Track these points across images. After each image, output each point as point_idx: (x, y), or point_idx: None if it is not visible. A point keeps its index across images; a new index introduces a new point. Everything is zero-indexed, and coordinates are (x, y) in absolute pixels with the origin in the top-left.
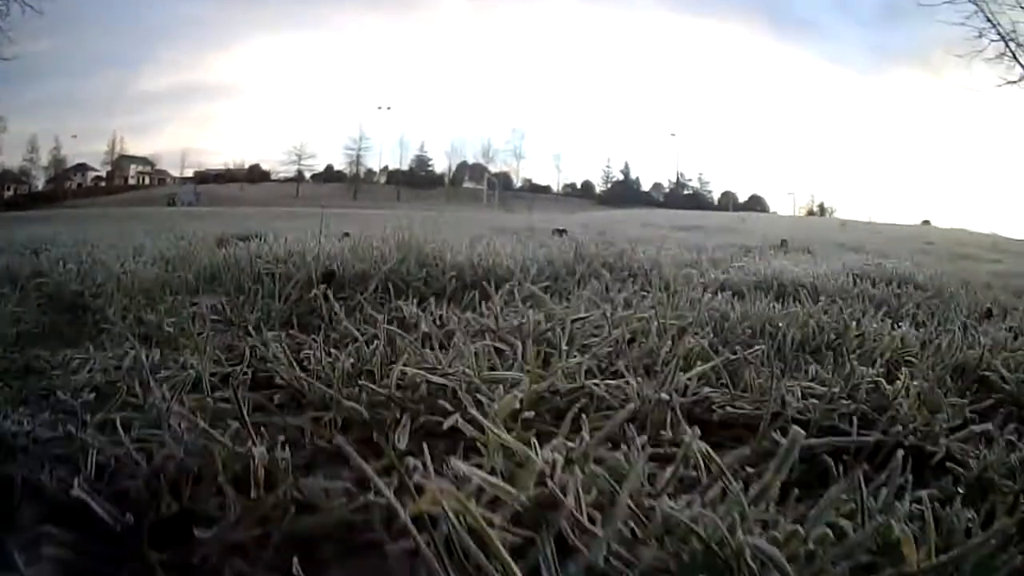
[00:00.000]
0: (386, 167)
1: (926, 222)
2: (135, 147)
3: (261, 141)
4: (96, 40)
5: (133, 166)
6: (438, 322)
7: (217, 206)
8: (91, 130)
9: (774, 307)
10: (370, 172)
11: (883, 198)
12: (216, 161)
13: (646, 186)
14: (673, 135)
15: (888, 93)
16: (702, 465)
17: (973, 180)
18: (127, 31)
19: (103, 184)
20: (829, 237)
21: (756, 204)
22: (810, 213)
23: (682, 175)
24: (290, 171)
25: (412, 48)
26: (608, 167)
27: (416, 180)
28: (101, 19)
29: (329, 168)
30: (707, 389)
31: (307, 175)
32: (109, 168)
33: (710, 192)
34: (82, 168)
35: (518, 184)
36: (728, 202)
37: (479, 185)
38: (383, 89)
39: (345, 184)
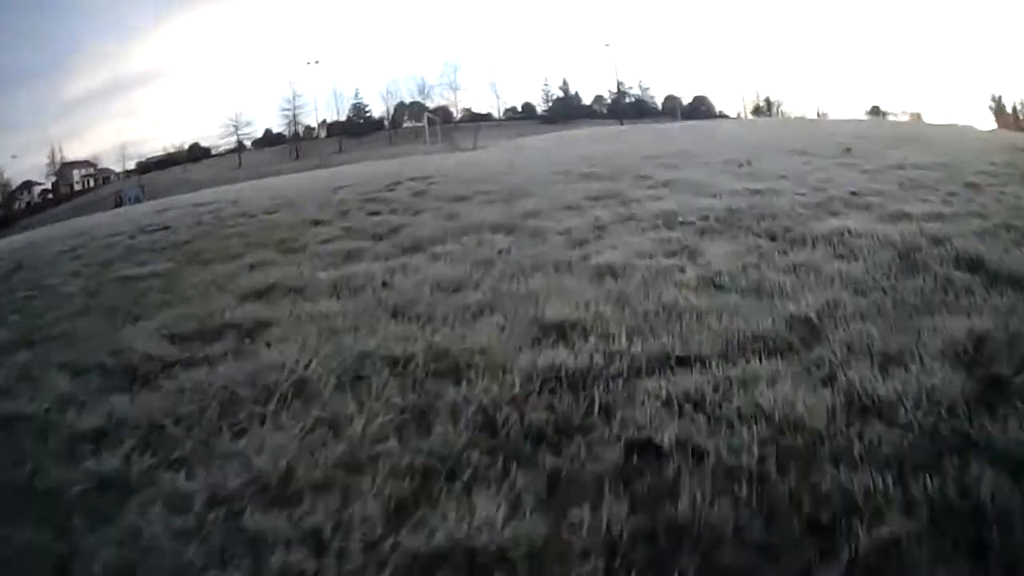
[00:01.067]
0: (324, 120)
1: (875, 108)
2: (77, 151)
3: (197, 118)
4: (13, 53)
5: (76, 171)
6: None
7: (162, 195)
8: (31, 144)
9: None
10: (309, 129)
11: (832, 88)
12: (156, 148)
13: (588, 100)
14: (607, 45)
15: None
16: None
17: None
18: (42, 37)
19: (50, 196)
20: None
21: (701, 104)
22: (756, 109)
23: (622, 84)
24: (230, 143)
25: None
26: (547, 86)
27: (356, 128)
28: (10, 31)
29: (268, 132)
30: None
31: (248, 142)
32: (54, 179)
33: (652, 98)
34: (28, 185)
35: (459, 116)
36: (673, 106)
37: (420, 123)
38: (308, 44)
39: (287, 145)
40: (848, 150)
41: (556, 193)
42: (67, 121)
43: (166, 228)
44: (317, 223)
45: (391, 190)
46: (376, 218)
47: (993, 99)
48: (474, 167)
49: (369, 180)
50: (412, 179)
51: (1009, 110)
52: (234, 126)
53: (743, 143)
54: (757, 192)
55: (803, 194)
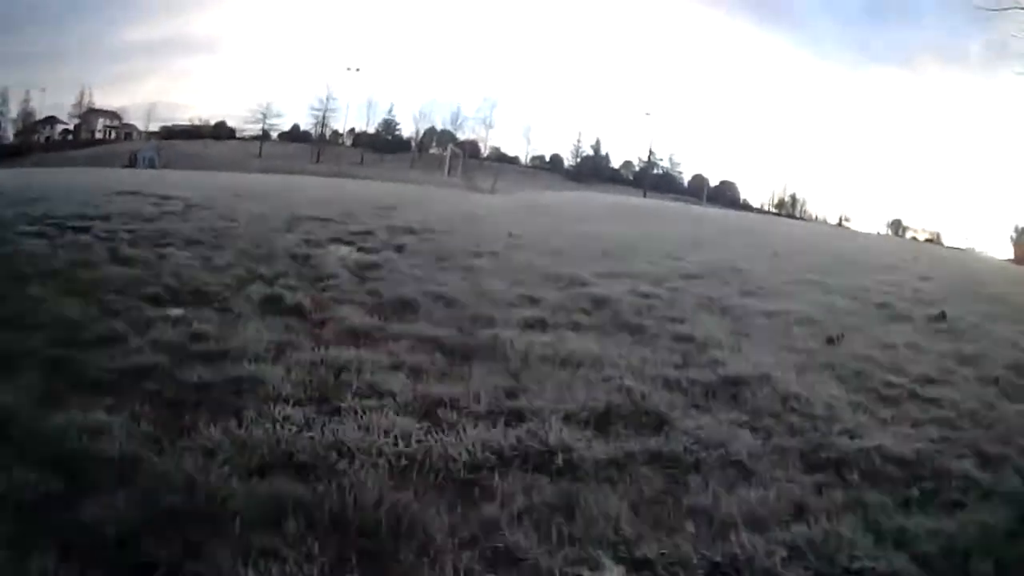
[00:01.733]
0: (352, 129)
1: (897, 222)
2: (109, 100)
3: (232, 97)
4: None
5: (101, 120)
6: None
7: (177, 167)
8: (65, 82)
9: None
10: (336, 134)
11: (854, 196)
12: (185, 116)
13: (616, 163)
14: (648, 114)
15: (868, 90)
16: None
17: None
18: None
19: (70, 138)
20: None
21: (728, 190)
22: (780, 203)
23: (653, 154)
24: (256, 129)
25: (383, 8)
26: (579, 142)
27: (382, 144)
28: None
29: (296, 128)
30: None
31: (274, 134)
32: (77, 121)
33: (680, 173)
34: (51, 121)
35: (486, 153)
36: (700, 186)
37: (446, 152)
38: (353, 50)
39: (310, 145)
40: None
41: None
42: (107, 69)
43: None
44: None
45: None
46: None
47: (1016, 229)
48: (474, 225)
49: (354, 212)
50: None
51: None
52: (262, 114)
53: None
54: None
55: None
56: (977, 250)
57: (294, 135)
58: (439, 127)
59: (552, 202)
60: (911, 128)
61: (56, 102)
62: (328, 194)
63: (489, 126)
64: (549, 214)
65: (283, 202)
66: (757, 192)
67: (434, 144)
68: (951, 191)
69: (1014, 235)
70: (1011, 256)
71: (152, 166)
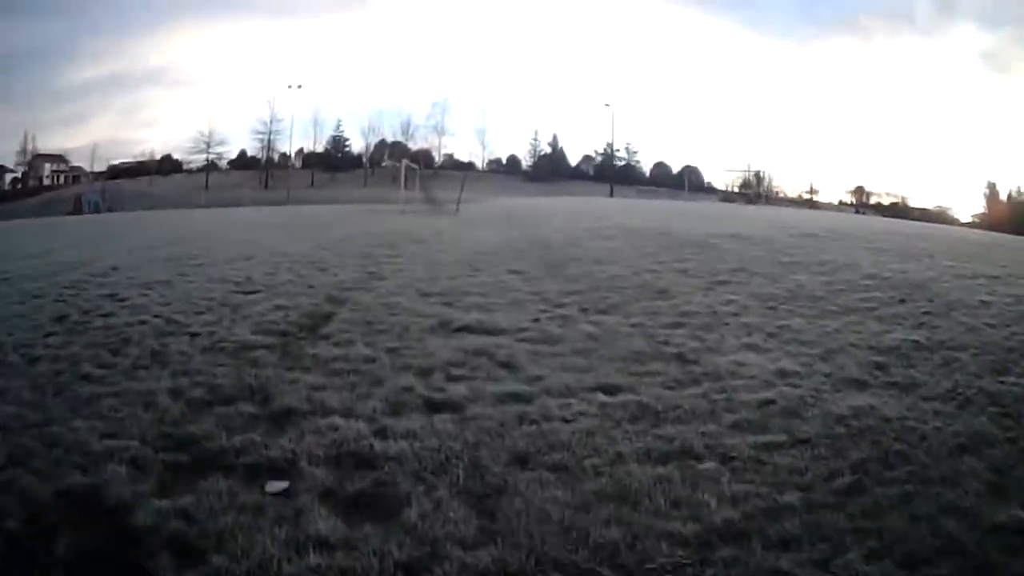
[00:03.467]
0: (301, 149)
1: (859, 189)
2: (57, 143)
3: (179, 128)
4: (21, 31)
5: (47, 165)
6: None
7: (124, 207)
8: (8, 128)
9: None
10: (284, 156)
11: (816, 165)
12: (135, 152)
13: (575, 158)
14: (607, 105)
15: (822, 62)
16: None
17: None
18: (49, 22)
19: (20, 187)
20: None
21: (690, 174)
22: (745, 183)
23: (610, 146)
24: (201, 160)
25: (322, 19)
26: (536, 140)
27: (332, 162)
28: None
29: (243, 154)
30: None
31: (223, 163)
32: (24, 169)
33: (639, 162)
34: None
35: (440, 161)
36: (661, 173)
37: (399, 164)
38: (294, 66)
39: (258, 171)
40: None
41: None
42: (50, 110)
43: None
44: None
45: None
46: None
47: (988, 186)
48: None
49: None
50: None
51: (1004, 197)
52: (206, 143)
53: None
54: None
55: None
56: (950, 210)
57: (241, 162)
58: (390, 139)
59: (526, 216)
60: (868, 95)
61: (4, 150)
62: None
63: (441, 133)
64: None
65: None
66: (720, 175)
67: (386, 157)
68: (918, 153)
69: (986, 192)
70: (982, 212)
71: (97, 210)
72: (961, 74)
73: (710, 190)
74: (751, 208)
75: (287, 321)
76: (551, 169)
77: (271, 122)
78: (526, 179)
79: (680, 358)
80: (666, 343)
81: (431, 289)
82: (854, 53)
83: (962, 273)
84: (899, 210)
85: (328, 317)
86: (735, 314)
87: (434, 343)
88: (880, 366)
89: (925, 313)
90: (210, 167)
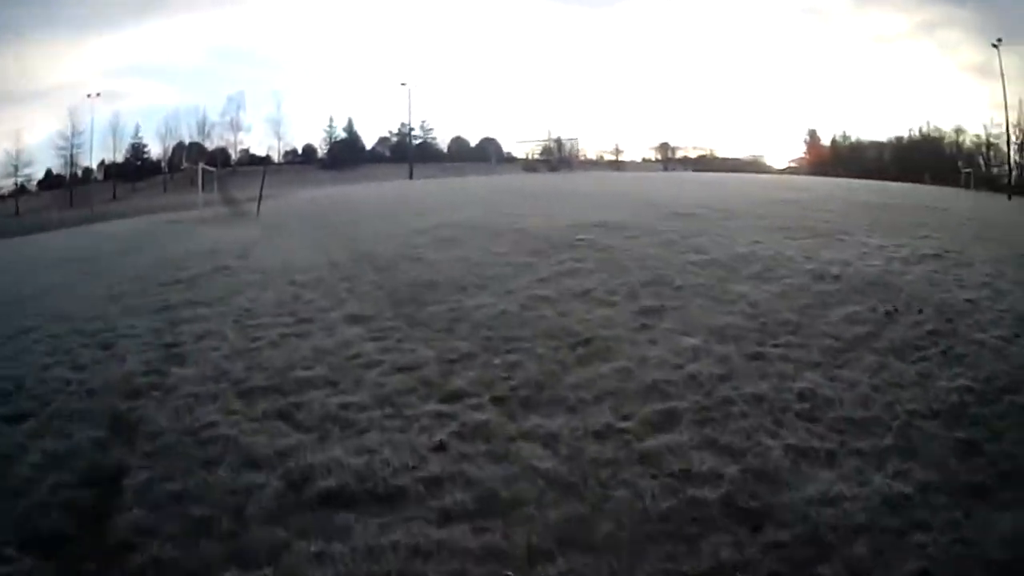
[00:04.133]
0: (103, 161)
1: (664, 145)
2: None
3: None
4: None
5: None
6: None
7: None
8: None
9: None
10: (87, 171)
11: (621, 125)
12: None
13: (371, 141)
14: (403, 84)
15: (618, 22)
16: None
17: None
18: None
19: None
20: None
21: (489, 145)
22: (546, 150)
23: (405, 124)
24: (10, 185)
25: (110, 17)
26: (331, 126)
27: (132, 171)
28: None
29: (49, 173)
30: None
31: (32, 184)
32: None
33: (435, 139)
34: None
35: (236, 158)
36: (459, 148)
37: (197, 167)
38: (95, 71)
39: (64, 189)
40: None
41: None
42: None
43: None
44: None
45: None
46: None
47: (808, 132)
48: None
49: None
50: None
51: (826, 142)
52: (14, 165)
53: None
54: None
55: None
56: (762, 158)
57: (49, 181)
58: (187, 139)
59: (335, 214)
60: (671, 50)
61: None
62: None
63: (237, 128)
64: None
65: None
66: (520, 145)
67: (184, 160)
68: (728, 106)
69: (807, 138)
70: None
71: None
72: (779, 24)
73: (511, 160)
74: (557, 176)
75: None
76: (347, 155)
77: (71, 134)
78: (322, 167)
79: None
80: (691, 476)
81: (251, 378)
82: (660, 10)
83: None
84: (708, 162)
85: (105, 497)
86: (733, 384)
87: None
88: None
89: (932, 333)
90: (21, 191)
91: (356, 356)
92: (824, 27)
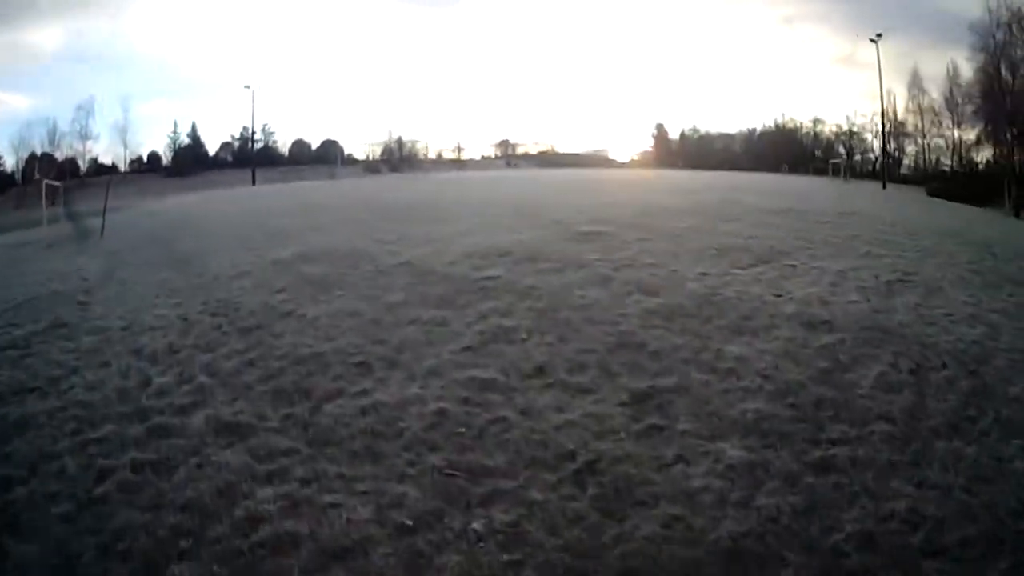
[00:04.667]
0: None
1: (504, 142)
2: None
3: None
4: None
5: None
6: None
7: None
8: None
9: None
10: None
11: (462, 124)
12: None
13: (215, 147)
14: (247, 87)
15: (459, 19)
16: None
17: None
18: None
19: None
20: None
21: (331, 147)
22: (387, 151)
23: (247, 129)
24: None
25: None
26: (175, 132)
27: None
28: None
29: None
30: None
31: None
32: None
33: (276, 142)
34: None
35: (85, 168)
36: (300, 151)
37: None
38: None
39: None
40: None
41: None
42: None
43: None
44: None
45: None
46: None
47: (656, 126)
48: None
49: None
50: None
51: (674, 136)
52: None
53: None
54: None
55: None
56: (604, 152)
57: None
58: (39, 150)
59: (182, 234)
60: (512, 48)
61: None
62: None
63: (86, 137)
64: None
65: None
66: (361, 146)
67: (36, 171)
68: (571, 103)
69: (654, 132)
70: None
71: None
72: (633, 18)
73: (352, 162)
74: (408, 179)
75: None
76: (192, 161)
77: None
78: (167, 175)
79: None
80: None
81: None
82: (502, 8)
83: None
84: (549, 157)
85: None
86: (827, 523)
87: None
88: None
89: (970, 395)
90: None
91: (248, 525)
92: (681, 22)
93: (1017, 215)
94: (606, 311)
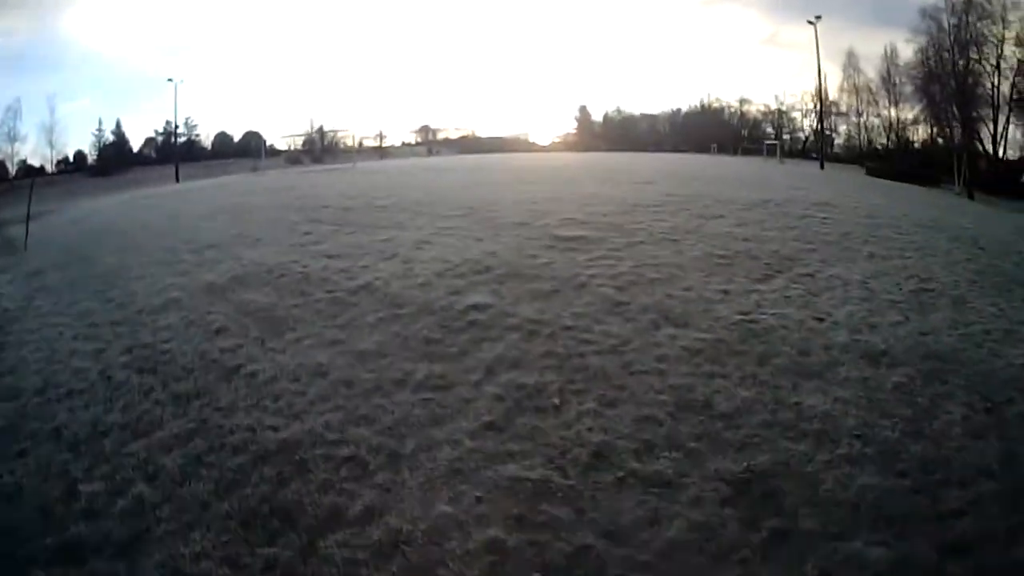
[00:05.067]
0: None
1: (425, 128)
2: None
3: None
4: None
5: None
6: None
7: None
8: None
9: None
10: None
11: (384, 111)
12: None
13: (139, 143)
14: (170, 80)
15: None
16: None
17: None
18: None
19: None
20: None
21: (252, 139)
22: (309, 141)
23: (170, 123)
24: None
25: None
26: (100, 130)
27: None
28: None
29: None
30: None
31: None
32: None
33: (198, 136)
34: None
35: (14, 172)
36: (223, 144)
37: None
38: None
39: None
40: None
41: None
42: None
43: None
44: None
45: None
46: None
47: (579, 109)
48: None
49: None
50: None
51: (598, 118)
52: None
53: None
54: None
55: None
56: (525, 136)
57: None
58: None
59: (105, 243)
60: (430, 33)
61: None
62: None
63: (14, 139)
64: None
65: None
66: (282, 138)
67: None
68: (493, 83)
69: (577, 115)
70: (567, 134)
71: None
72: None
73: (275, 153)
74: (328, 169)
75: None
76: (116, 159)
77: None
78: (92, 174)
79: None
80: None
81: None
82: None
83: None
84: (470, 143)
85: None
86: None
87: None
88: None
89: None
90: None
91: None
92: (603, 3)
93: (971, 196)
94: (640, 353)
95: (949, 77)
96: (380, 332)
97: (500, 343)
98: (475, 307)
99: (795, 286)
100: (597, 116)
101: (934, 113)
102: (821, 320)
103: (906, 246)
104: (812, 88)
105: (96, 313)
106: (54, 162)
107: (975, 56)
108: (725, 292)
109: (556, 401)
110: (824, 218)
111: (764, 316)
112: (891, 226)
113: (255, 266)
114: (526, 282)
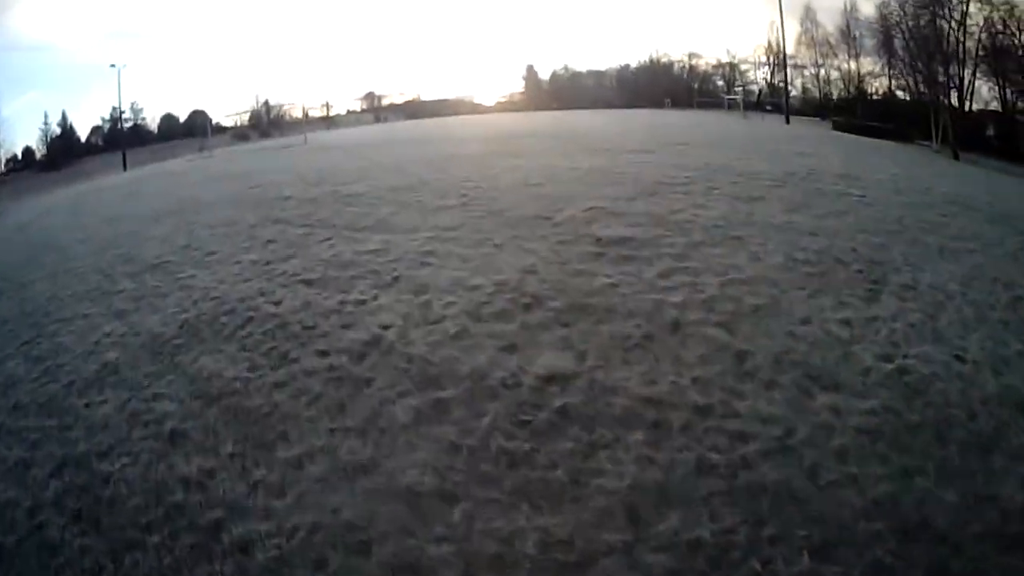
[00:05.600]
0: None
1: (370, 94)
2: None
3: None
4: None
5: None
6: None
7: None
8: None
9: None
10: None
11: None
12: None
13: (86, 132)
14: (113, 66)
15: None
16: None
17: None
18: None
19: None
20: None
21: (198, 118)
22: (255, 116)
23: (115, 109)
24: None
25: None
26: (46, 123)
27: None
28: None
29: None
30: None
31: None
32: None
33: (144, 119)
34: None
35: None
36: (169, 127)
37: None
38: None
39: None
40: None
41: None
42: None
43: None
44: None
45: None
46: None
47: (527, 68)
48: None
49: None
50: None
51: (544, 77)
52: None
53: None
54: None
55: None
56: (471, 98)
57: None
58: None
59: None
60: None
61: None
62: None
63: None
64: None
65: None
66: (229, 115)
67: None
68: (435, 45)
69: (524, 75)
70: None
71: None
72: None
73: (221, 131)
74: (278, 144)
75: None
76: (64, 151)
77: None
78: (42, 169)
79: None
80: None
81: None
82: None
83: None
84: (416, 107)
85: None
86: None
87: None
88: None
89: None
90: None
91: None
92: None
93: (956, 156)
94: (814, 449)
95: (912, 32)
96: (424, 440)
97: (618, 450)
98: (553, 379)
99: (909, 306)
100: (544, 75)
101: (899, 68)
102: (962, 360)
103: (959, 234)
104: (764, 42)
105: (19, 383)
106: (3, 162)
107: (940, 13)
108: (847, 324)
109: (757, 567)
110: (862, 197)
111: (909, 361)
112: (926, 205)
113: (210, 304)
114: (599, 321)
